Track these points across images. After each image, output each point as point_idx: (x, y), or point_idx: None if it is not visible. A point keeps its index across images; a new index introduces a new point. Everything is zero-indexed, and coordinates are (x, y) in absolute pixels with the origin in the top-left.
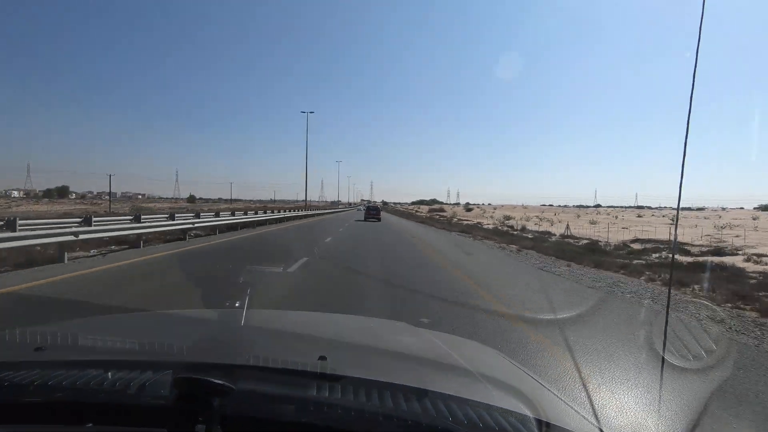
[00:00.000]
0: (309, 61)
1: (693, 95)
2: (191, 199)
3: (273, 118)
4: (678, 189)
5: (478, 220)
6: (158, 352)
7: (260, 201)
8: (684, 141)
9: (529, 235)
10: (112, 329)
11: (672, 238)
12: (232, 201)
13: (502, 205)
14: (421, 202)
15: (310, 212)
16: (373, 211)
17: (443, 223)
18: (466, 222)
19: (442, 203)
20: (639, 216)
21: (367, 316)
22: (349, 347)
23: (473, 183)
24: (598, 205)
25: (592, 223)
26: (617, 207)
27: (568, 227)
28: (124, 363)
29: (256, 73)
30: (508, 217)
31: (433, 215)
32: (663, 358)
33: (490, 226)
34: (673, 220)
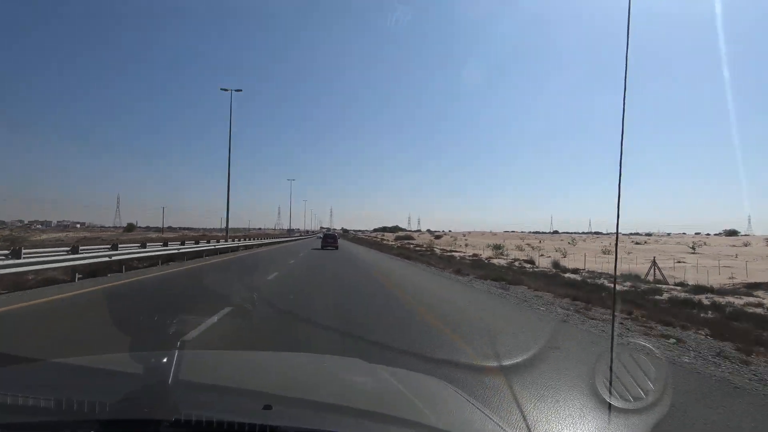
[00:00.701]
0: (266, 86)
1: (624, 123)
2: (130, 227)
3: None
4: (616, 215)
5: (472, 252)
6: (77, 411)
7: (211, 229)
8: (618, 173)
9: (625, 284)
10: (25, 382)
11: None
12: (163, 230)
13: (469, 232)
14: (384, 229)
15: (230, 243)
16: (330, 239)
17: (433, 258)
18: (456, 254)
19: (405, 230)
20: (636, 243)
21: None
22: (297, 392)
23: (431, 209)
24: (556, 231)
25: (606, 252)
26: (575, 233)
27: (655, 266)
28: (38, 425)
29: (210, 99)
30: (498, 246)
31: (405, 245)
32: None
33: (503, 262)
34: (694, 248)
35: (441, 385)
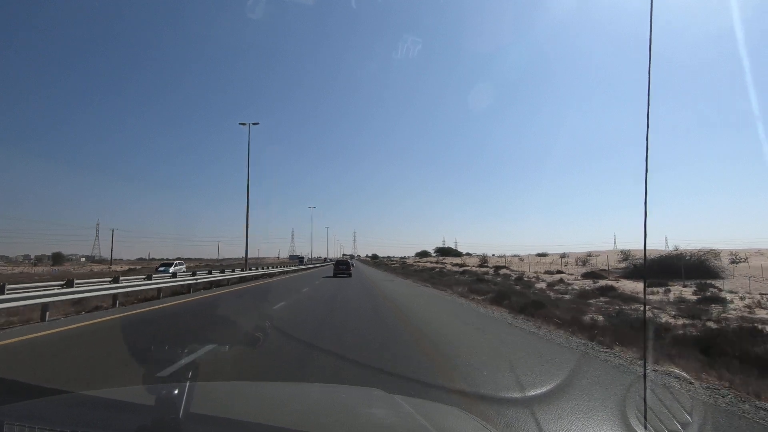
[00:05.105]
0: (289, 112)
1: (648, 141)
2: (56, 258)
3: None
4: (644, 234)
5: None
6: None
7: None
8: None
9: None
10: (40, 415)
11: None
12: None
13: (517, 255)
14: (440, 251)
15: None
16: (342, 266)
17: None
18: None
19: (459, 254)
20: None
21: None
22: (314, 426)
23: (465, 232)
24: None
25: None
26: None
27: None
28: None
29: (223, 120)
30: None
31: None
32: None
33: None
34: None
35: (463, 416)
